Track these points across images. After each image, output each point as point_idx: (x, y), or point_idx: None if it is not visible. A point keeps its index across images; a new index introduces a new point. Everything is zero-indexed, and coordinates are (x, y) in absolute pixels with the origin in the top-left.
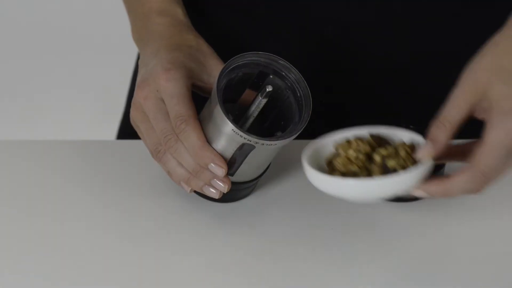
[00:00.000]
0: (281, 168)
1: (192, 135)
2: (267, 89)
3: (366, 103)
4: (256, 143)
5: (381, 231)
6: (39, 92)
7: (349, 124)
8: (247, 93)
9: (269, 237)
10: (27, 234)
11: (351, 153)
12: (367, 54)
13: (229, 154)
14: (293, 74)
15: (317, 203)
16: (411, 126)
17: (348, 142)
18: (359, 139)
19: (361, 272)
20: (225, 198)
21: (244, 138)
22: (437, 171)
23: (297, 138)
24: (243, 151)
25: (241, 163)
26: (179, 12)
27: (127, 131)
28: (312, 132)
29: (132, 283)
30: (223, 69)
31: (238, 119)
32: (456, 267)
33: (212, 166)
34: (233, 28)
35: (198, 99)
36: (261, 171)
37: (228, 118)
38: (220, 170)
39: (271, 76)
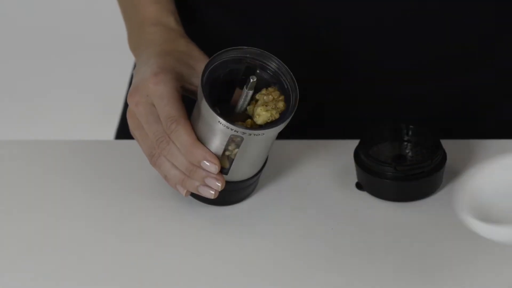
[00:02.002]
0: (280, 169)
1: (182, 134)
2: (251, 80)
3: (362, 105)
4: (244, 133)
5: (381, 231)
6: (39, 92)
7: (344, 126)
8: (238, 93)
9: (269, 238)
10: (26, 234)
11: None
12: (365, 56)
13: (220, 151)
14: (278, 65)
15: (316, 203)
16: (411, 127)
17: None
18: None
19: (361, 272)
20: (224, 200)
21: (231, 129)
22: (437, 171)
23: (294, 138)
24: (233, 145)
25: (233, 159)
26: (171, 21)
27: (125, 131)
28: (313, 133)
29: (132, 283)
30: (207, 64)
31: (232, 120)
32: (457, 267)
33: (204, 163)
34: (226, 32)
35: (190, 105)
36: (256, 169)
37: (214, 111)
38: (213, 166)
39: (258, 71)
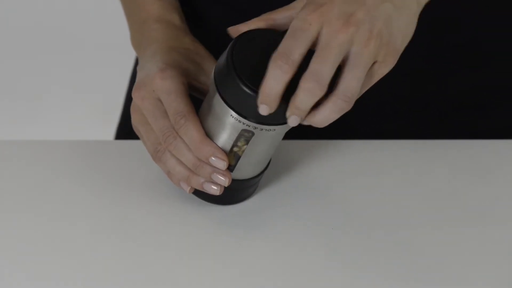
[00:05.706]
0: (280, 169)
1: (191, 129)
2: None
3: (361, 105)
4: (255, 128)
5: (382, 231)
6: (39, 92)
7: (351, 125)
8: None
9: (270, 238)
10: (26, 234)
11: None
12: None
13: (228, 147)
14: None
15: (317, 203)
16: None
17: None
18: None
19: (362, 272)
20: (226, 199)
21: (243, 124)
22: None
23: (294, 138)
24: (243, 140)
25: (240, 156)
26: (176, 18)
27: (125, 131)
28: (314, 133)
29: (132, 283)
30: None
31: None
32: (457, 267)
33: (213, 159)
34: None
35: (196, 103)
36: (260, 169)
37: (227, 104)
38: (221, 162)
39: None
